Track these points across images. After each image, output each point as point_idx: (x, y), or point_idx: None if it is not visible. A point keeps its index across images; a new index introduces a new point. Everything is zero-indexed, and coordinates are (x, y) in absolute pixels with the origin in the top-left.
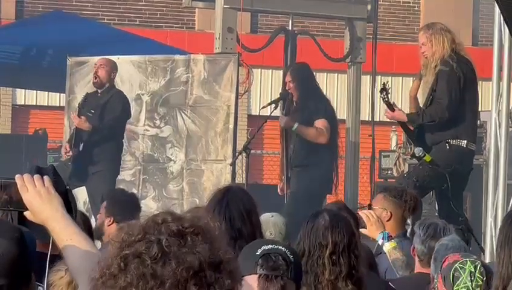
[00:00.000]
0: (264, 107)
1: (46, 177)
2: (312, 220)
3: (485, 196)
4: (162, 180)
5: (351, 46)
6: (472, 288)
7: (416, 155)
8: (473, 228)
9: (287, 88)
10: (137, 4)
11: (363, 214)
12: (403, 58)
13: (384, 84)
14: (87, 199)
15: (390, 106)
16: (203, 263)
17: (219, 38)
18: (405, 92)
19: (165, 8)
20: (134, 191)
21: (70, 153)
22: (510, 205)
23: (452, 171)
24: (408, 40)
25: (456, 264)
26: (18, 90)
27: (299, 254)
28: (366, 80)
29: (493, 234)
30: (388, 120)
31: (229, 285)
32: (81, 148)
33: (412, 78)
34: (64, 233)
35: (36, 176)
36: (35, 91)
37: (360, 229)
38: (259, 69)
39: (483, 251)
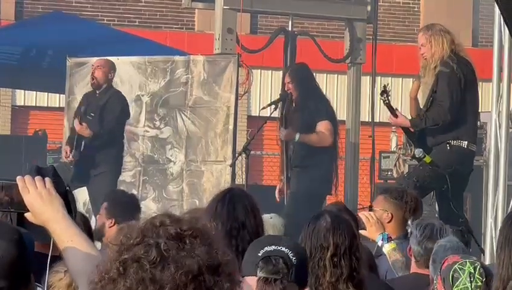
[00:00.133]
0: (263, 108)
1: (47, 179)
2: (313, 221)
3: (485, 197)
4: (162, 182)
5: (351, 47)
6: (471, 289)
7: (417, 156)
8: (473, 229)
9: (286, 89)
10: (137, 5)
11: (362, 215)
12: (402, 59)
13: (384, 86)
14: (87, 200)
15: (392, 109)
16: (201, 266)
17: (219, 39)
18: (405, 93)
19: (164, 9)
20: (135, 192)
21: (70, 158)
22: (510, 206)
23: (452, 172)
24: (408, 40)
25: (456, 265)
26: (18, 91)
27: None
28: (366, 80)
29: (493, 235)
30: (388, 121)
31: (228, 288)
32: (82, 149)
33: (412, 79)
34: (65, 234)
35: (37, 178)
36: (34, 92)
37: (360, 231)
38: (259, 70)
39: (483, 252)
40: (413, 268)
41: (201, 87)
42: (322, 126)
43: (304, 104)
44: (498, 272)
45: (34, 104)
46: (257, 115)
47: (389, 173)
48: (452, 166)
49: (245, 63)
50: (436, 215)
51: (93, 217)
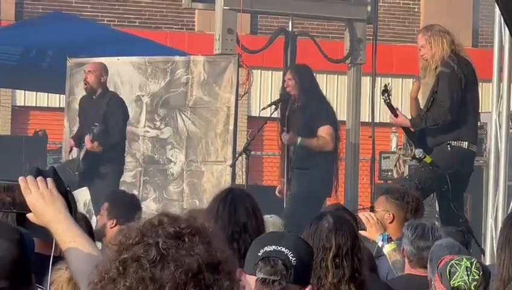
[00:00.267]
0: (264, 108)
1: (49, 179)
2: (316, 222)
3: (485, 198)
4: (162, 182)
5: (351, 48)
6: (469, 282)
7: (417, 157)
8: (474, 229)
9: (285, 86)
10: (137, 5)
11: (362, 216)
12: (403, 59)
13: (385, 85)
14: (88, 201)
15: (392, 108)
16: (201, 265)
17: (219, 39)
18: (405, 93)
19: (164, 9)
20: (135, 192)
21: (75, 150)
22: (510, 207)
23: (453, 172)
24: (408, 41)
25: (452, 261)
26: (18, 91)
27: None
28: (366, 81)
29: (494, 236)
30: (388, 121)
31: (228, 286)
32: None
33: (412, 80)
34: (67, 235)
35: (39, 178)
36: (35, 92)
37: (360, 231)
38: (259, 70)
39: (483, 252)
40: (407, 269)
41: (202, 87)
42: (324, 131)
43: (305, 105)
44: (498, 272)
45: (34, 105)
46: (257, 115)
47: (389, 174)
48: (453, 166)
49: (245, 64)
50: (437, 215)
51: (93, 217)
